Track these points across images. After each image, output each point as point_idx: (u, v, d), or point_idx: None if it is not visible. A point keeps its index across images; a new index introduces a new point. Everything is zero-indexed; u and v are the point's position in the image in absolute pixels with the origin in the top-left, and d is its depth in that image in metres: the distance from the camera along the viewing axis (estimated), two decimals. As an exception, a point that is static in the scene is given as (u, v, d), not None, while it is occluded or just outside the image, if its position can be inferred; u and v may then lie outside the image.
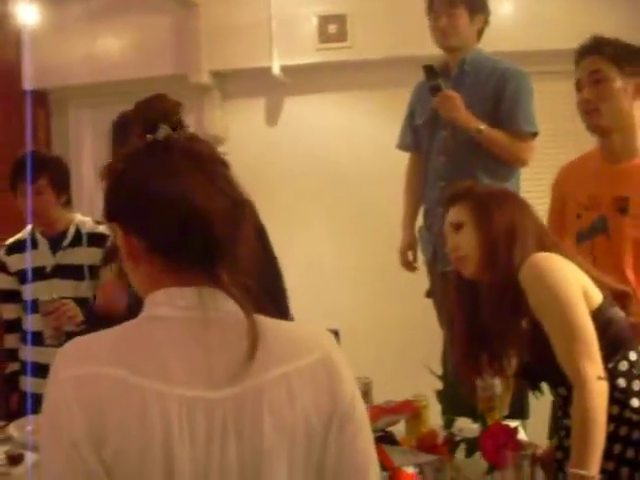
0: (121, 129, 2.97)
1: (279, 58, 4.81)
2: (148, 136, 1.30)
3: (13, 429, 2.79)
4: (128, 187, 1.26)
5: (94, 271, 3.27)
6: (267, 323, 1.25)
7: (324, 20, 4.80)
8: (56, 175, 3.30)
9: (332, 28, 4.78)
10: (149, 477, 1.13)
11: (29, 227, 3.40)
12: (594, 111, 2.74)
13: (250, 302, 1.23)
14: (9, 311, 3.42)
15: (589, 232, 2.82)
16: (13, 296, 3.37)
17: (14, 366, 3.40)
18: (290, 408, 1.19)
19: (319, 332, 1.33)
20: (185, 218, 1.21)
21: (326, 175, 4.84)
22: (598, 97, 2.70)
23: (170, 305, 1.22)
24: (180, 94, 5.04)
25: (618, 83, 2.69)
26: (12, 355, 3.41)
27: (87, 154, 5.30)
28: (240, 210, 1.26)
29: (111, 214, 1.31)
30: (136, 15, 5.07)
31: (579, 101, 2.78)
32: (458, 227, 2.29)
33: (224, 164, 1.31)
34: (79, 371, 1.16)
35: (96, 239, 3.30)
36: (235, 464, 1.16)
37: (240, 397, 1.17)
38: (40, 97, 5.33)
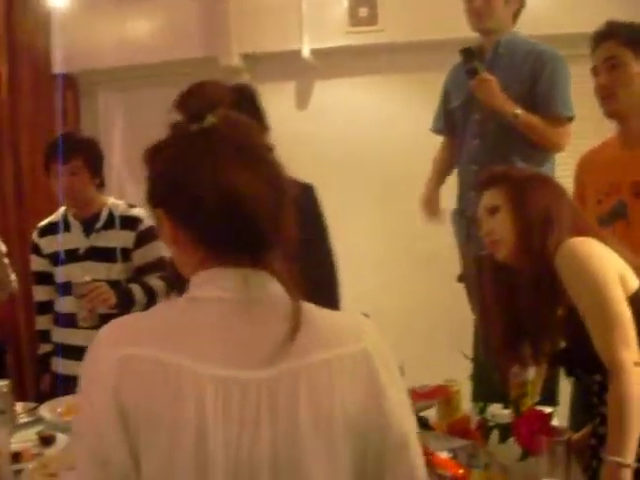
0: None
1: (309, 41, 4.78)
2: (193, 124, 1.28)
3: (44, 410, 2.81)
4: (172, 175, 1.26)
5: (127, 254, 3.29)
6: (311, 309, 1.25)
7: (355, 3, 4.76)
8: (90, 156, 3.30)
9: (363, 11, 4.75)
10: (181, 458, 1.13)
11: (62, 209, 3.40)
12: (611, 96, 2.74)
13: (297, 287, 1.22)
14: (41, 293, 3.43)
15: (609, 217, 2.82)
16: (45, 278, 3.39)
17: (46, 347, 3.42)
18: (328, 395, 1.18)
19: (363, 322, 1.31)
20: (229, 207, 1.20)
21: (356, 158, 4.81)
22: (614, 83, 2.70)
23: (212, 286, 1.22)
24: (210, 77, 5.12)
25: (634, 68, 2.68)
26: (44, 337, 3.42)
27: (117, 137, 5.30)
28: (284, 197, 1.26)
29: (154, 200, 1.30)
30: (166, -3, 5.05)
31: (596, 87, 2.79)
32: (493, 211, 2.27)
33: (268, 149, 1.30)
34: (117, 351, 1.16)
35: (129, 222, 3.31)
36: (267, 446, 1.15)
37: (276, 379, 1.17)
38: (70, 81, 5.34)
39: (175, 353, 1.15)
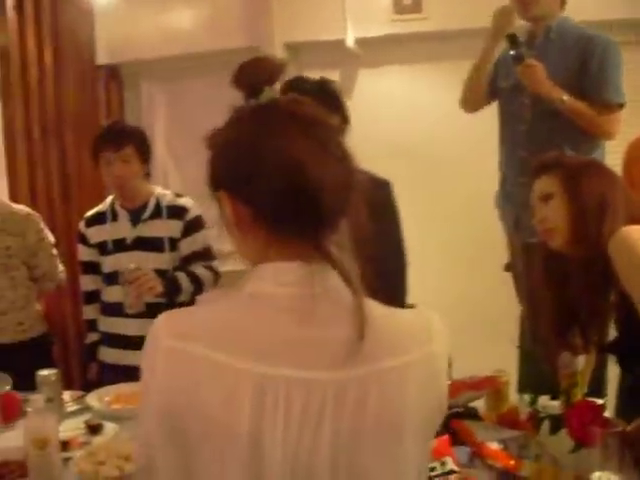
0: None
1: (353, 30, 4.75)
2: (252, 100, 1.26)
3: (92, 399, 2.82)
4: (235, 152, 1.22)
5: (174, 243, 3.29)
6: (377, 308, 1.21)
7: (399, -9, 4.72)
8: (141, 145, 3.29)
9: (406, -1, 4.71)
10: (233, 459, 1.10)
11: (109, 199, 3.40)
12: None
13: (358, 280, 1.17)
14: (88, 282, 3.44)
15: None
16: (92, 268, 3.40)
17: (93, 337, 3.43)
18: (398, 402, 1.16)
19: (431, 321, 1.27)
20: (294, 183, 1.15)
21: (400, 148, 4.77)
22: None
23: (275, 281, 1.18)
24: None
25: None
26: (91, 326, 3.44)
27: (160, 128, 5.32)
28: (352, 179, 1.21)
29: (217, 181, 1.26)
30: (208, -13, 5.05)
31: None
32: (546, 198, 2.24)
33: (335, 129, 1.25)
34: (173, 344, 1.14)
35: (176, 211, 3.30)
36: (328, 449, 1.12)
37: (344, 382, 1.13)
38: (113, 72, 5.37)
39: (232, 351, 1.12)
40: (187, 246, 3.31)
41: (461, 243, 4.05)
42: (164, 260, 3.27)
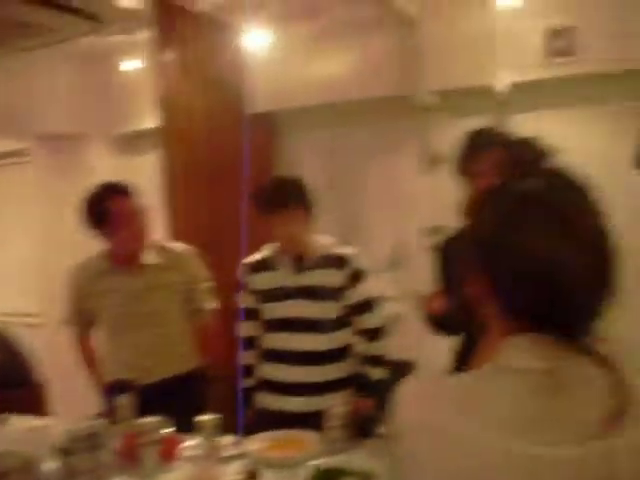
0: (466, 161, 2.89)
1: (505, 74, 4.72)
2: (516, 186, 1.22)
3: (249, 445, 2.86)
4: (486, 237, 1.20)
5: (337, 292, 3.31)
6: (633, 385, 1.14)
7: (552, 33, 4.67)
8: (308, 202, 3.33)
9: (560, 41, 4.63)
10: None
11: (271, 246, 3.44)
12: None
13: (612, 359, 1.13)
14: (249, 329, 3.51)
15: None
16: (253, 314, 3.46)
17: (250, 382, 3.50)
18: None
19: None
20: (540, 285, 1.12)
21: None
22: None
23: (521, 355, 1.15)
24: (404, 114, 5.16)
25: None
26: (249, 371, 3.51)
27: (312, 175, 5.35)
28: (607, 276, 1.16)
29: (476, 261, 1.24)
30: (358, 36, 5.14)
31: None
32: None
33: (596, 216, 1.19)
34: (420, 415, 1.16)
35: (340, 261, 3.32)
36: None
37: (589, 458, 1.08)
38: (265, 120, 5.50)
39: (480, 425, 1.11)
40: (352, 296, 3.33)
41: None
42: (327, 309, 3.31)
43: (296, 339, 3.31)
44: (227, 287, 4.94)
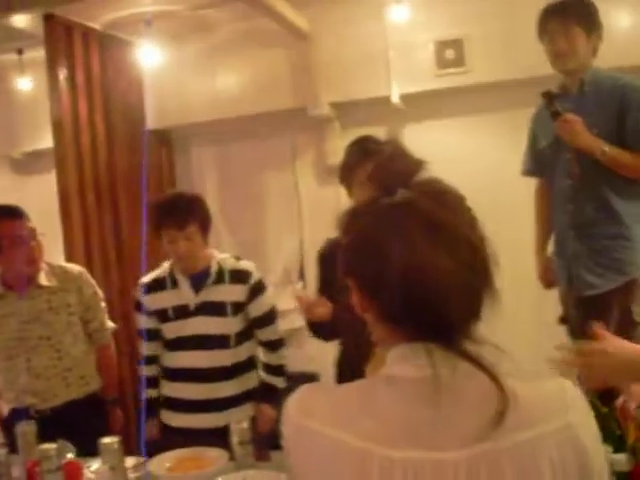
0: (347, 172, 2.95)
1: (398, 86, 4.82)
2: (386, 198, 1.22)
3: (153, 465, 2.82)
4: (361, 248, 1.22)
5: (238, 307, 3.30)
6: (514, 384, 1.17)
7: (441, 46, 4.79)
8: (204, 219, 3.28)
9: (449, 53, 4.76)
10: None
11: (167, 264, 3.40)
12: None
13: (493, 366, 1.16)
14: (149, 348, 3.43)
15: None
16: (154, 334, 3.39)
17: (152, 393, 3.45)
18: (532, 476, 1.11)
19: (567, 390, 1.20)
20: (417, 292, 1.14)
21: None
22: None
23: (407, 364, 1.17)
24: (300, 127, 5.20)
25: None
26: (150, 383, 3.44)
27: (210, 190, 5.39)
28: (483, 278, 1.19)
29: (344, 269, 1.26)
30: (253, 51, 5.16)
31: None
32: None
33: (470, 224, 1.22)
34: (296, 420, 1.19)
35: (239, 276, 3.31)
36: None
37: (476, 459, 1.10)
38: (163, 136, 5.48)
39: (361, 435, 1.12)
40: (254, 310, 3.33)
41: (512, 295, 4.01)
42: (230, 324, 3.29)
43: (202, 356, 3.27)
44: (128, 307, 4.92)
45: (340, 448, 1.12)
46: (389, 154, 1.28)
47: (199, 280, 3.29)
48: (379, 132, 4.92)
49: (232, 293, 3.29)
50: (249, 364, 3.38)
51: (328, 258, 3.07)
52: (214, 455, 2.84)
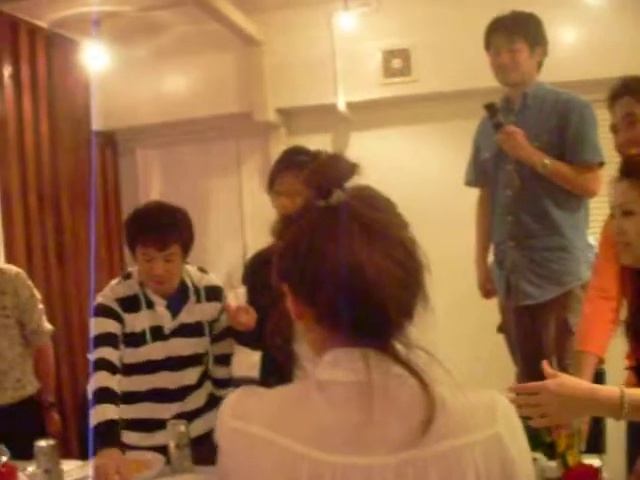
0: (269, 182, 2.95)
1: (344, 94, 4.86)
2: (321, 201, 1.24)
3: (90, 469, 2.79)
4: (296, 251, 1.22)
5: (212, 325, 3.11)
6: (442, 392, 1.17)
7: (388, 55, 4.84)
8: (187, 238, 2.97)
9: (396, 62, 4.81)
10: None
11: (135, 280, 3.02)
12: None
13: (423, 371, 1.17)
14: (112, 354, 2.93)
15: None
16: (115, 341, 2.95)
17: (110, 413, 2.88)
18: None
19: (496, 401, 1.21)
20: (355, 291, 1.15)
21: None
22: (633, 139, 2.64)
23: (339, 368, 1.18)
24: (246, 132, 5.20)
25: None
26: (107, 398, 2.89)
27: (154, 193, 5.38)
28: (416, 279, 1.22)
29: (279, 274, 1.26)
30: (201, 54, 5.17)
31: (616, 144, 2.75)
32: (627, 213, 2.16)
33: (402, 227, 1.25)
34: (232, 424, 1.19)
35: (214, 293, 3.11)
36: None
37: (404, 466, 1.11)
38: (109, 138, 5.44)
39: (292, 438, 1.14)
40: (219, 325, 3.14)
41: (453, 304, 4.07)
42: (203, 344, 3.11)
43: (172, 377, 3.05)
44: (69, 308, 4.87)
45: (273, 451, 1.13)
46: (324, 158, 1.30)
47: (176, 302, 3.03)
48: (324, 139, 5.02)
49: (209, 312, 3.08)
50: (206, 377, 3.19)
51: (254, 266, 3.08)
52: (150, 458, 2.82)
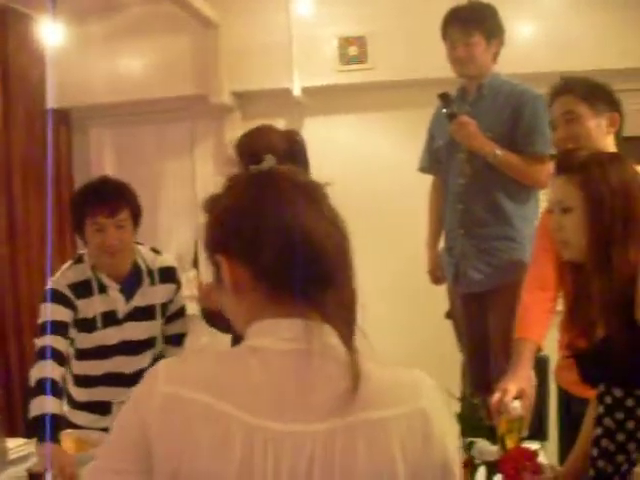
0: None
1: (300, 79, 4.87)
2: (252, 167, 1.29)
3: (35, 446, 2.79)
4: (236, 218, 1.24)
5: (165, 307, 3.09)
6: (370, 364, 1.22)
7: (345, 42, 4.86)
8: (135, 205, 2.94)
9: (352, 50, 4.83)
10: None
11: (87, 265, 2.97)
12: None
13: (353, 338, 1.22)
14: (56, 342, 2.82)
15: None
16: (65, 328, 2.90)
17: (54, 407, 2.77)
18: (386, 453, 1.16)
19: (421, 379, 1.26)
20: (296, 244, 1.19)
21: (345, 196, 4.83)
22: (572, 136, 2.70)
23: (274, 336, 1.21)
24: (200, 114, 5.19)
25: (590, 122, 2.68)
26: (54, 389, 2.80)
27: (108, 172, 5.30)
28: (348, 242, 1.27)
29: (214, 246, 1.28)
30: (157, 35, 5.12)
31: (554, 140, 2.81)
32: (565, 210, 2.16)
33: (327, 196, 1.30)
34: (165, 389, 1.17)
35: (168, 274, 3.08)
36: None
37: (332, 433, 1.15)
38: (63, 116, 5.39)
39: (227, 401, 1.14)
40: (173, 306, 3.14)
41: (403, 290, 4.12)
42: (156, 327, 3.08)
43: (126, 361, 3.02)
44: (18, 292, 4.83)
45: (209, 414, 1.14)
46: (254, 128, 1.35)
47: (130, 285, 3.00)
48: (279, 124, 5.00)
49: (162, 295, 3.06)
50: (159, 360, 3.12)
51: None
52: (96, 438, 2.81)
